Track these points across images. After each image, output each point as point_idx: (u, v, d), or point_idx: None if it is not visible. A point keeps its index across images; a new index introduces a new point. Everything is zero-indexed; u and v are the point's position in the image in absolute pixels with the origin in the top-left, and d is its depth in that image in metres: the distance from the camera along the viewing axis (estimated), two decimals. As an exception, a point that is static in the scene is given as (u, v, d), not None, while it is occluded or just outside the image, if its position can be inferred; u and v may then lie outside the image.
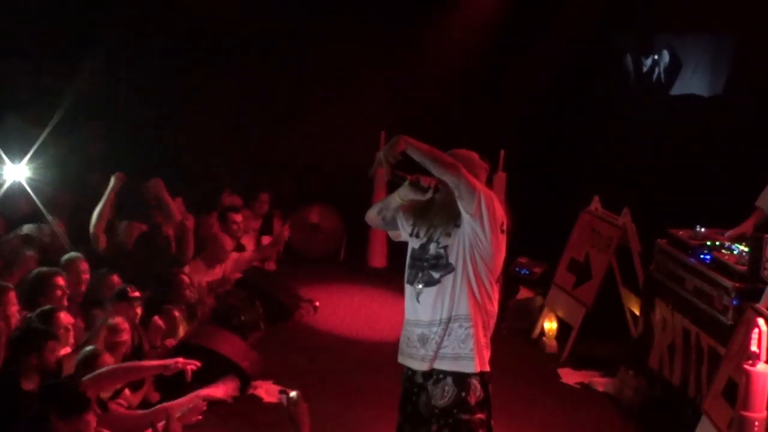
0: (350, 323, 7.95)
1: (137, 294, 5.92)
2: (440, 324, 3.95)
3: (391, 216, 4.22)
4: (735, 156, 7.27)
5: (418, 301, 4.02)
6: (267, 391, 6.22)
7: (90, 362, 4.83)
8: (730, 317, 5.24)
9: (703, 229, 6.11)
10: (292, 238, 9.85)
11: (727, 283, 5.33)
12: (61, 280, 5.74)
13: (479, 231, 3.86)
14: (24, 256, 6.28)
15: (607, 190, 7.69)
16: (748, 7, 7.30)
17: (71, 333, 5.26)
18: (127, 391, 5.16)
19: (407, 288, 4.10)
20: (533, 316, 7.78)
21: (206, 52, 10.26)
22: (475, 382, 3.95)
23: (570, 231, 7.71)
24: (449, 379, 3.95)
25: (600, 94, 9.34)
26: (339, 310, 8.32)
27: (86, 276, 6.18)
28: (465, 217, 3.88)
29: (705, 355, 5.53)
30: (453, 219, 3.96)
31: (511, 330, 7.70)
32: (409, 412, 4.08)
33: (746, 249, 5.53)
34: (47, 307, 5.28)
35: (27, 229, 6.90)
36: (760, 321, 4.50)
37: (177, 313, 6.42)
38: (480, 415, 3.96)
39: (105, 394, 4.79)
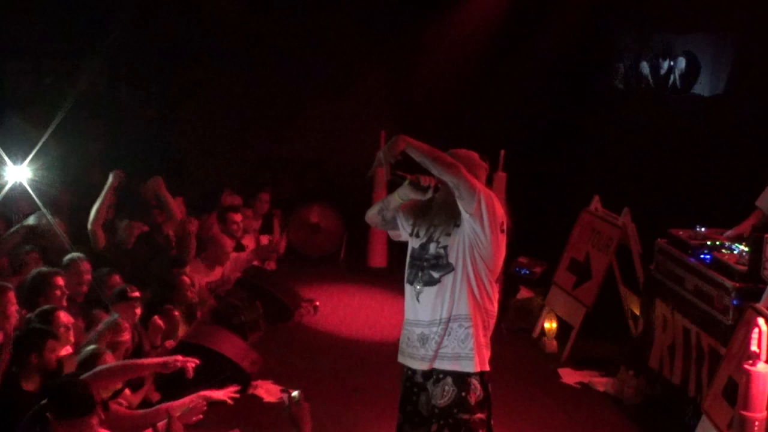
0: (350, 323, 7.96)
1: (137, 294, 5.92)
2: (440, 324, 3.95)
3: (391, 216, 4.23)
4: (735, 156, 7.26)
5: (418, 301, 4.02)
6: (267, 391, 6.23)
7: (91, 362, 4.81)
8: (731, 317, 5.24)
9: (703, 229, 6.11)
10: (292, 237, 9.88)
11: (728, 282, 5.33)
12: (60, 280, 5.73)
13: (479, 231, 3.87)
14: (27, 257, 6.29)
15: (607, 189, 7.69)
16: (748, 7, 7.30)
17: (71, 332, 5.25)
18: (127, 391, 5.16)
19: (407, 288, 4.10)
20: (533, 316, 7.78)
21: (206, 52, 10.27)
22: (475, 382, 3.95)
23: (570, 231, 7.71)
24: (449, 379, 3.95)
25: (600, 94, 9.34)
26: (339, 310, 8.33)
27: (88, 276, 6.18)
28: (465, 216, 3.88)
29: (705, 354, 5.53)
30: (453, 219, 3.96)
31: (511, 330, 7.71)
32: (409, 412, 4.08)
33: (746, 249, 5.53)
34: (47, 306, 5.27)
35: (32, 220, 6.89)
36: (761, 321, 4.50)
37: (177, 314, 6.42)
38: (480, 415, 3.97)
39: (105, 394, 4.78)
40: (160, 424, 4.54)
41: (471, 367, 3.93)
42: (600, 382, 6.62)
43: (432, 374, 4.00)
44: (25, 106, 9.34)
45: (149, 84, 10.67)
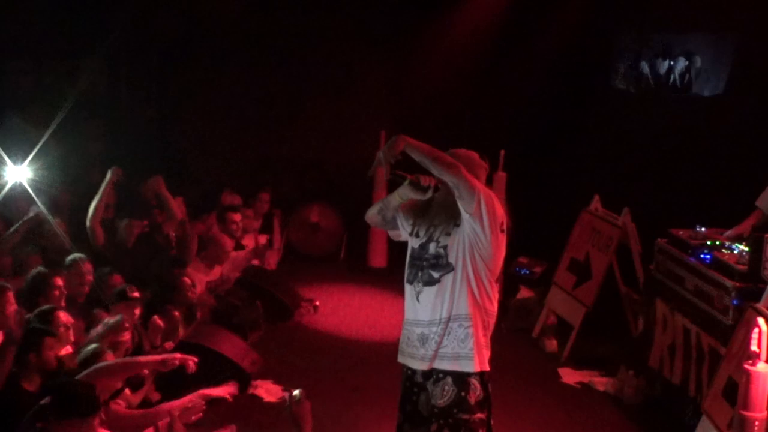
0: (350, 323, 7.96)
1: (137, 294, 5.92)
2: (440, 323, 3.95)
3: (391, 215, 4.23)
4: (735, 156, 7.26)
5: (418, 301, 4.02)
6: (267, 391, 6.23)
7: (92, 361, 4.80)
8: (731, 317, 5.24)
9: (703, 229, 6.12)
10: (292, 237, 9.88)
11: (728, 282, 5.33)
12: (59, 281, 5.74)
13: (479, 230, 3.86)
14: (29, 259, 6.29)
15: (607, 189, 7.69)
16: (748, 7, 7.30)
17: (71, 332, 5.25)
18: (127, 391, 5.15)
19: (407, 287, 4.10)
20: (533, 316, 7.79)
21: (206, 52, 10.27)
22: (475, 382, 3.95)
23: (570, 231, 7.71)
24: (449, 379, 3.95)
25: (600, 94, 9.34)
26: (339, 309, 8.33)
27: (90, 277, 6.18)
28: (465, 216, 3.88)
29: (705, 354, 5.53)
30: (453, 218, 3.96)
31: (511, 329, 7.71)
32: (409, 412, 4.08)
33: (746, 249, 5.53)
34: (46, 306, 5.27)
35: (33, 210, 6.88)
36: (761, 320, 4.50)
37: (177, 314, 6.42)
38: (480, 415, 3.97)
39: (105, 395, 4.77)
40: (162, 424, 4.54)
41: (471, 366, 3.93)
42: (600, 382, 6.62)
43: (432, 374, 4.00)
44: (25, 106, 9.33)
45: (149, 84, 10.67)
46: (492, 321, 4.03)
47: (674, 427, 5.76)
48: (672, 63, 8.22)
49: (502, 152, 8.14)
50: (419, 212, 4.14)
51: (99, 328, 5.35)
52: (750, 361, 4.44)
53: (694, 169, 7.65)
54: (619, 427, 6.00)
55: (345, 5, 10.11)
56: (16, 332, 5.08)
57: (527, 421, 5.94)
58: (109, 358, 4.94)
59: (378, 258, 9.67)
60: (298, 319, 7.93)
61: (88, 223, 6.88)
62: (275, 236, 9.52)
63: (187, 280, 6.75)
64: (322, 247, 10.12)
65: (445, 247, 3.96)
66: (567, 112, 9.38)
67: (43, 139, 7.19)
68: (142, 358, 5.07)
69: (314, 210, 10.12)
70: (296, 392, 3.87)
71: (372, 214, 4.31)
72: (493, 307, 4.02)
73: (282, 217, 9.74)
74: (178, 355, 4.84)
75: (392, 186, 4.14)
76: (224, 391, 5.75)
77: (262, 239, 9.14)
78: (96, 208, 6.88)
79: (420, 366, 4.02)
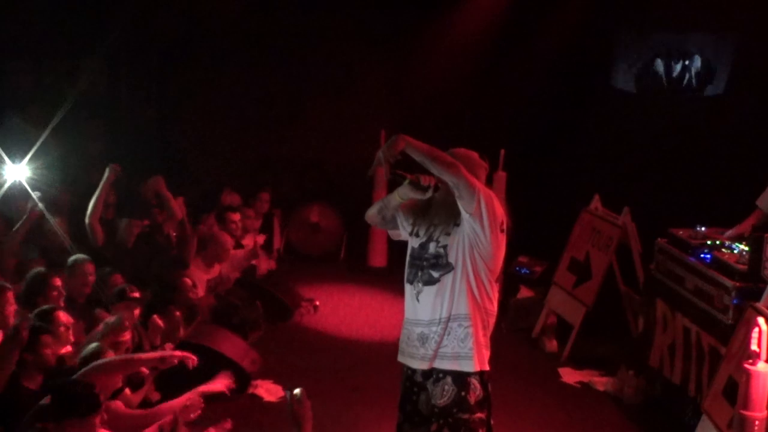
0: (350, 323, 7.96)
1: (137, 294, 5.92)
2: (440, 323, 3.95)
3: (390, 215, 4.23)
4: (735, 156, 7.27)
5: (418, 301, 4.02)
6: (267, 391, 6.23)
7: (92, 360, 4.80)
8: (731, 316, 5.24)
9: (703, 229, 6.11)
10: (292, 237, 9.88)
11: (728, 282, 5.33)
12: (58, 281, 5.74)
13: (479, 230, 3.86)
14: (33, 264, 6.29)
15: (607, 189, 7.69)
16: (748, 7, 7.30)
17: (71, 332, 5.25)
18: (127, 391, 5.15)
19: (407, 287, 4.10)
20: (533, 316, 7.78)
21: (206, 52, 10.28)
22: (475, 382, 3.95)
23: (570, 230, 7.71)
24: (449, 378, 3.95)
25: (600, 94, 9.34)
26: (339, 309, 8.33)
27: (92, 278, 6.18)
28: (465, 216, 3.88)
29: (705, 354, 5.53)
30: (453, 218, 3.96)
31: (511, 329, 7.71)
32: (409, 412, 4.08)
33: (746, 248, 5.53)
34: (46, 306, 5.27)
35: (30, 204, 6.87)
36: (761, 320, 4.50)
37: (178, 314, 6.42)
38: (480, 414, 3.97)
39: (105, 395, 4.77)
40: (164, 422, 4.53)
41: (470, 366, 3.93)
42: (600, 382, 6.62)
43: (432, 374, 4.00)
44: (25, 106, 9.33)
45: (149, 84, 10.67)
46: (492, 321, 4.03)
47: (674, 426, 5.76)
48: (671, 63, 8.22)
49: (502, 152, 8.14)
50: (419, 212, 4.14)
51: (99, 328, 5.36)
52: (750, 361, 4.44)
53: (694, 169, 7.65)
54: (619, 427, 6.00)
55: (345, 5, 10.11)
56: (21, 333, 5.07)
57: (527, 421, 5.94)
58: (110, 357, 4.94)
59: (378, 258, 9.67)
60: (298, 319, 7.93)
61: (87, 221, 6.89)
62: (275, 236, 9.52)
63: (188, 281, 6.75)
64: (322, 247, 10.12)
65: (445, 247, 3.96)
66: (567, 112, 9.39)
67: (42, 139, 7.18)
68: (141, 355, 5.06)
69: (314, 210, 10.12)
70: (297, 391, 3.86)
71: (372, 214, 4.31)
72: (493, 307, 4.02)
73: (282, 217, 9.74)
74: (177, 353, 4.84)
75: (392, 186, 4.14)
76: (221, 384, 5.75)
77: (261, 239, 9.14)
78: (95, 206, 6.88)
79: (420, 366, 4.02)
